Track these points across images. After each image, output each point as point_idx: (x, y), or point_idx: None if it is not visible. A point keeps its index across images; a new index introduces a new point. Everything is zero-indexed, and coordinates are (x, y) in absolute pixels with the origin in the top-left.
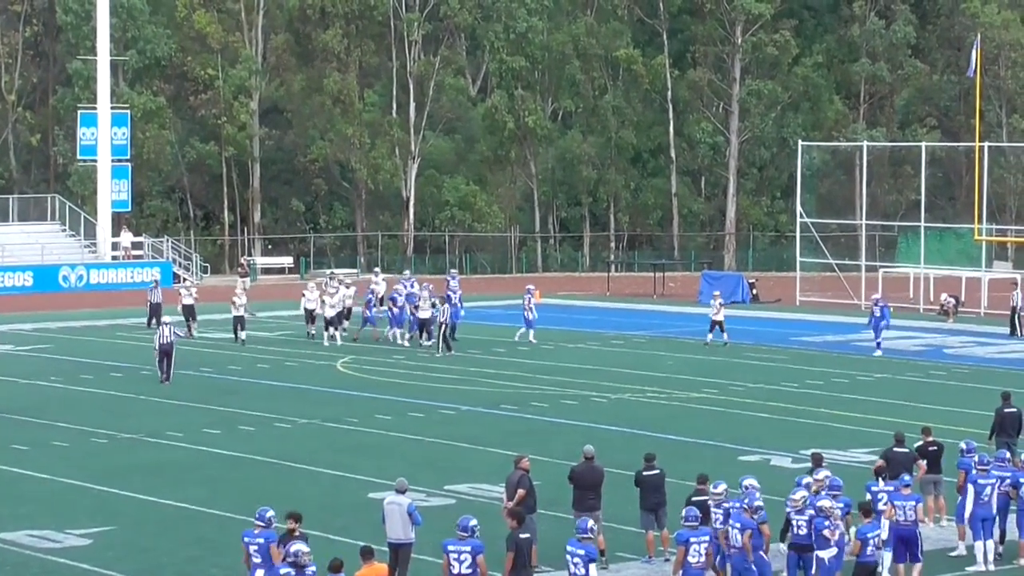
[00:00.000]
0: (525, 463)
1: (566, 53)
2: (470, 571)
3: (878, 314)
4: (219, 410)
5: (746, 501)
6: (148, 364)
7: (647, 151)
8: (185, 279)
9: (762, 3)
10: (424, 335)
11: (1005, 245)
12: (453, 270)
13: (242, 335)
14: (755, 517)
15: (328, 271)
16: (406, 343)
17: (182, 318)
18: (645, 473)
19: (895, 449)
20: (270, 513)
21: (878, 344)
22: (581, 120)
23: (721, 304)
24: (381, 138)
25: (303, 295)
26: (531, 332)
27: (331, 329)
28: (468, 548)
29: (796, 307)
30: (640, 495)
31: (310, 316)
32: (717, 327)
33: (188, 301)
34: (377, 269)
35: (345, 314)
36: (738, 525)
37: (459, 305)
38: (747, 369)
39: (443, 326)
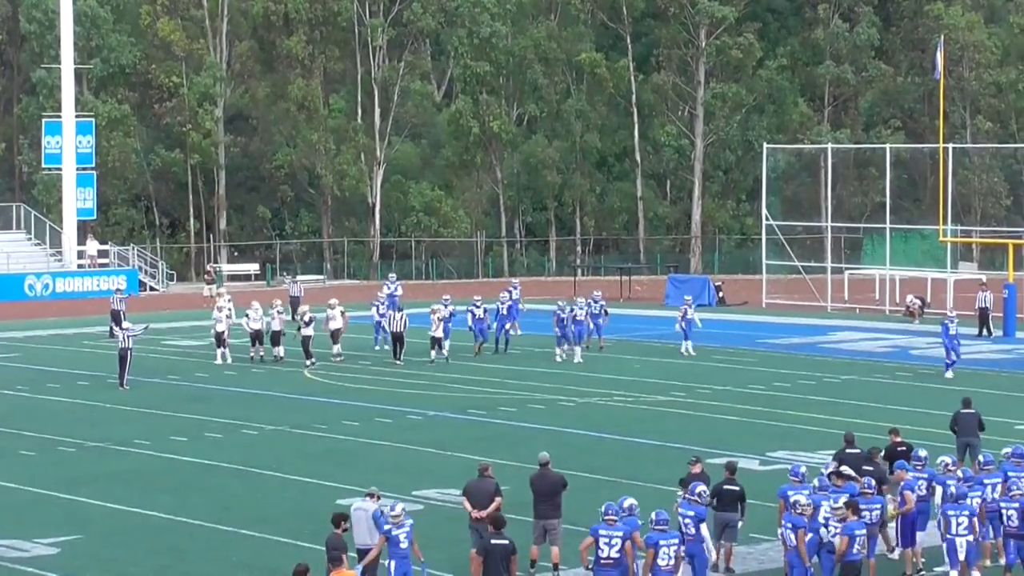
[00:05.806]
0: (491, 472)
1: (529, 58)
2: None
3: (953, 331)
4: (186, 417)
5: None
6: (114, 372)
7: (612, 155)
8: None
9: (726, 6)
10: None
11: (970, 246)
12: (514, 279)
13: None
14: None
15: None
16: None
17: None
18: (725, 487)
19: (847, 450)
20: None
21: (947, 364)
22: (546, 125)
23: (441, 319)
24: (346, 144)
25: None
26: (686, 344)
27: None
28: None
29: (762, 309)
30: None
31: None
32: (437, 344)
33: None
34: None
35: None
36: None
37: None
38: (714, 372)
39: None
